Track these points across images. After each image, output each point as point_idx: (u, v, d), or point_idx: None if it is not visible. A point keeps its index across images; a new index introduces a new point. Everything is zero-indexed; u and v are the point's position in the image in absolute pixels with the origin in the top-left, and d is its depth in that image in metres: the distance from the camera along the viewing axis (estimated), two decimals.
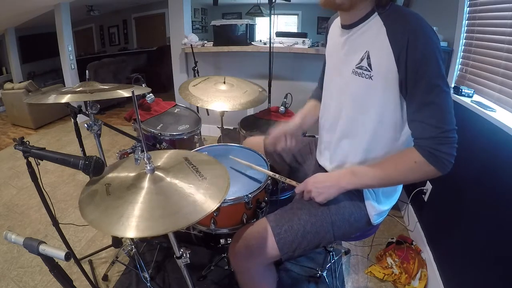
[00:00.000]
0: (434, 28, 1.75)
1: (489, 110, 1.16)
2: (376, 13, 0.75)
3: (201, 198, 0.70)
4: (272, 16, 2.14)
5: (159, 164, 0.83)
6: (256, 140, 1.33)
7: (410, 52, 0.68)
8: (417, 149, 0.74)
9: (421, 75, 0.69)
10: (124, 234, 0.61)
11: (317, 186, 0.87)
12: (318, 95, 1.13)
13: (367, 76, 0.76)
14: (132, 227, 0.61)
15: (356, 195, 0.92)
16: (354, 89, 0.82)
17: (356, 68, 0.79)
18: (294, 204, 0.94)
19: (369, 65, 0.76)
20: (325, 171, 1.00)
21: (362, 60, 0.77)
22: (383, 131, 0.82)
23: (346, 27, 0.82)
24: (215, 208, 0.67)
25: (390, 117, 0.79)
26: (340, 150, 0.92)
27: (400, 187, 0.97)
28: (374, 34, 0.75)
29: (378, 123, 0.81)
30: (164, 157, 0.89)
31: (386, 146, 0.84)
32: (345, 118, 0.88)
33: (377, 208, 0.91)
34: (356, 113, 0.84)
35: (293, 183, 0.97)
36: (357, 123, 0.85)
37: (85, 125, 1.20)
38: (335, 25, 0.92)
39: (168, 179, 0.76)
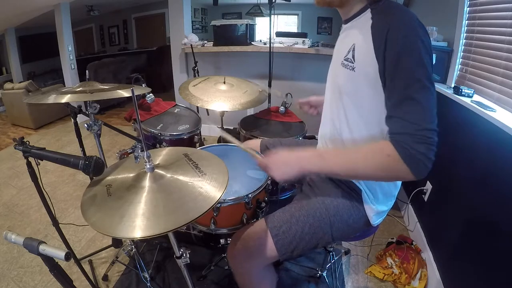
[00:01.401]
0: (434, 28, 1.72)
1: (489, 110, 1.16)
2: (369, 8, 0.77)
3: (202, 193, 0.70)
4: (272, 16, 2.14)
5: (158, 162, 0.83)
6: (253, 143, 1.33)
7: (389, 44, 0.66)
8: (392, 143, 0.67)
9: (400, 68, 0.65)
10: (126, 235, 0.60)
11: (277, 164, 0.81)
12: None
13: (350, 68, 0.78)
14: (134, 227, 0.60)
15: (354, 197, 0.92)
16: (341, 80, 0.84)
17: (344, 59, 0.81)
18: (292, 205, 0.94)
19: (353, 57, 0.77)
20: None
21: (349, 52, 0.79)
22: (369, 125, 0.81)
23: (344, 22, 0.87)
24: (217, 200, 0.67)
25: (374, 111, 0.77)
26: (332, 145, 0.93)
27: (398, 186, 0.96)
28: (361, 28, 0.76)
29: (363, 117, 0.81)
30: (162, 154, 0.89)
31: (373, 141, 0.81)
32: (335, 112, 0.89)
33: (376, 209, 0.90)
34: (342, 106, 0.85)
35: (257, 156, 0.89)
36: (344, 116, 0.85)
37: (85, 125, 1.20)
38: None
39: (168, 176, 0.76)
